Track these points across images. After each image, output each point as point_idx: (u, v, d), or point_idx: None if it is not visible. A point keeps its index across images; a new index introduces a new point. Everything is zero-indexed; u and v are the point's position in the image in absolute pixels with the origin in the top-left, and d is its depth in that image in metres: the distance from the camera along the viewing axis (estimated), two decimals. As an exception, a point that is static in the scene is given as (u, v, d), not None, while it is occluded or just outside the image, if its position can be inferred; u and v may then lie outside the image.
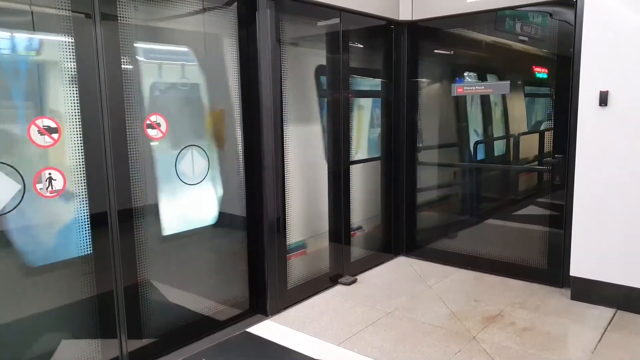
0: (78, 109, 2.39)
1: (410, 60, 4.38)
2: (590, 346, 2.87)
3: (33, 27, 2.25)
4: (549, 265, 3.81)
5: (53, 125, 2.29)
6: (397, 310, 3.41)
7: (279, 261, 3.42)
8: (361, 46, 4.19)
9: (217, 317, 3.18)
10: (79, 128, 2.40)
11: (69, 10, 2.32)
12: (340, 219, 3.98)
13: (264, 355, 2.84)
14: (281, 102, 3.33)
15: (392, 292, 3.75)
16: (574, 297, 3.50)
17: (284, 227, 3.46)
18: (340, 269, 4.01)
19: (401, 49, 4.37)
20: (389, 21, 4.23)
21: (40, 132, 2.25)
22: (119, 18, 2.52)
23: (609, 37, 3.15)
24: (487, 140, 4.49)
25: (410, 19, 4.26)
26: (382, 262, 4.42)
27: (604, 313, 3.29)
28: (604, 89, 3.18)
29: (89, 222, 2.49)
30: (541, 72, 3.96)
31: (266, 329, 3.16)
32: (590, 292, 3.41)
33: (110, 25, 2.48)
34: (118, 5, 2.51)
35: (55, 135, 2.30)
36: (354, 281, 3.96)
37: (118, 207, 2.57)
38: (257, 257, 3.37)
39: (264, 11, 3.14)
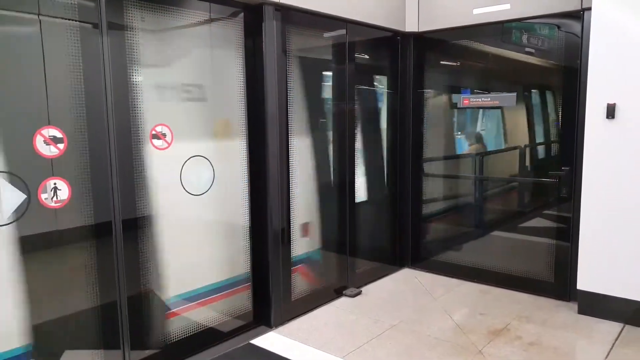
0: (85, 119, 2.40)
1: (416, 71, 4.38)
2: (598, 362, 2.83)
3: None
4: (556, 279, 3.76)
5: (59, 135, 2.30)
6: (402, 323, 3.37)
7: (283, 272, 3.39)
8: (367, 57, 4.20)
9: (221, 329, 3.16)
10: (85, 138, 2.40)
11: (76, 20, 2.34)
12: (345, 230, 3.96)
13: (268, 368, 2.81)
14: (286, 111, 3.33)
15: (397, 304, 3.72)
16: (581, 312, 3.46)
17: (289, 238, 3.44)
18: (345, 281, 3.98)
19: (407, 60, 4.38)
20: (395, 32, 4.23)
21: (46, 142, 2.26)
22: (125, 27, 2.54)
23: (616, 49, 3.13)
24: (492, 151, 4.47)
25: (416, 30, 4.27)
26: (387, 274, 4.38)
27: (612, 328, 3.24)
28: (611, 102, 3.17)
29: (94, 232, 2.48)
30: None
31: (270, 340, 3.13)
32: (598, 306, 3.36)
33: (116, 35, 2.50)
34: (125, 15, 2.53)
35: (60, 146, 2.31)
36: (359, 293, 3.92)
37: (122, 217, 2.57)
38: (262, 269, 3.35)
39: (270, 22, 3.15)
